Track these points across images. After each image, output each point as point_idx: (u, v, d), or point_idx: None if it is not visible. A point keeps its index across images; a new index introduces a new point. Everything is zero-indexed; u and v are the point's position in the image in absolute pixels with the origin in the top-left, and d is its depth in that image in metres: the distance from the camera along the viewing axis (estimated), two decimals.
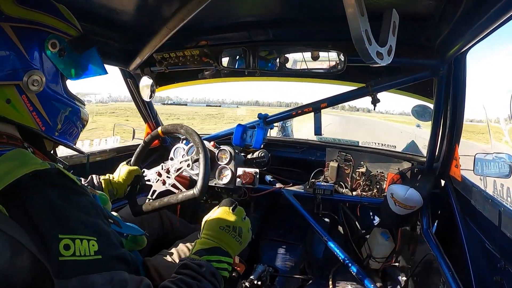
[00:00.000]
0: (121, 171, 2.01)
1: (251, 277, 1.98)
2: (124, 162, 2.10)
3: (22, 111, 1.04)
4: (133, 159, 2.15)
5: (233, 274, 1.72)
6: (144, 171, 2.16)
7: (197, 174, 1.88)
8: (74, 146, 1.28)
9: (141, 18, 2.00)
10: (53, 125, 1.12)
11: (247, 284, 1.97)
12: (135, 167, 2.07)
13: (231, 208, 1.36)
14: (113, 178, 1.98)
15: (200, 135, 2.14)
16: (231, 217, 1.33)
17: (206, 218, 1.36)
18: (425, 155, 2.61)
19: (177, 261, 1.68)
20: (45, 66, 1.08)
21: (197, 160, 2.05)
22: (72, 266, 0.82)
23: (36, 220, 0.83)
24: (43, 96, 1.08)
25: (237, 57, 2.47)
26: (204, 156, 1.92)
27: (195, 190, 1.87)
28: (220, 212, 1.35)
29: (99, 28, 2.05)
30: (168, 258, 1.74)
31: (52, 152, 1.23)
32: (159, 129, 2.12)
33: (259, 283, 1.98)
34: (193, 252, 1.23)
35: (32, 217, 0.83)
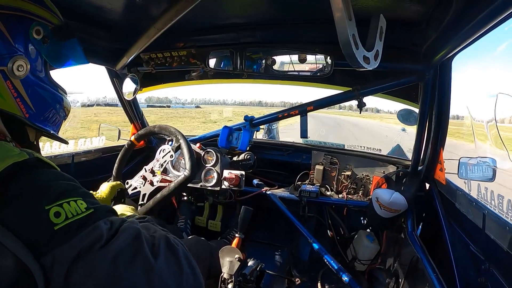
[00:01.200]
0: (103, 188, 1.98)
1: (244, 271, 1.97)
2: (105, 182, 2.05)
3: (6, 97, 1.03)
4: (113, 175, 2.14)
5: (236, 257, 1.76)
6: (127, 182, 2.14)
7: (182, 168, 1.87)
8: (57, 135, 1.27)
9: (129, 17, 1.98)
10: (36, 112, 1.12)
11: (239, 278, 1.96)
12: (117, 182, 2.02)
13: None
14: (96, 193, 1.95)
15: (186, 137, 2.13)
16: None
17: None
18: (410, 159, 2.63)
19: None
20: (29, 53, 1.08)
21: (178, 148, 2.04)
22: (72, 227, 0.82)
23: (19, 205, 0.81)
24: (27, 83, 1.08)
25: (224, 58, 2.46)
26: (184, 140, 1.92)
27: (185, 172, 1.86)
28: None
29: (86, 26, 2.02)
30: None
31: (35, 143, 1.21)
32: (132, 137, 2.11)
33: (252, 278, 1.98)
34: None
35: (14, 204, 0.81)
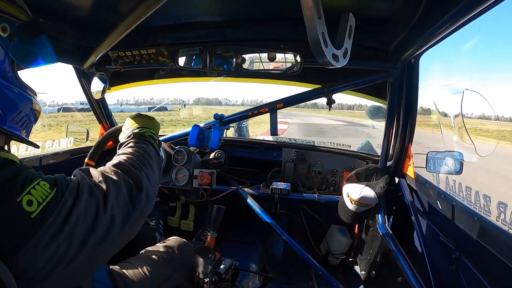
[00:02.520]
0: None
1: (219, 270, 1.96)
2: None
3: None
4: (88, 156, 2.10)
5: (210, 256, 1.75)
6: None
7: None
8: (27, 139, 1.20)
9: (97, 14, 1.92)
10: (3, 115, 1.04)
11: (215, 277, 1.96)
12: None
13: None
14: None
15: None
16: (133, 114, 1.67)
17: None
18: (380, 154, 2.68)
19: (144, 268, 1.70)
20: None
21: None
22: (46, 211, 0.86)
23: None
24: None
25: (194, 56, 2.43)
26: None
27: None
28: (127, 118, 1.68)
29: (52, 23, 1.94)
30: (135, 265, 1.71)
31: (6, 148, 1.15)
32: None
33: (227, 277, 1.97)
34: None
35: None
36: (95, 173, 1.11)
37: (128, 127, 1.61)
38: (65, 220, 0.89)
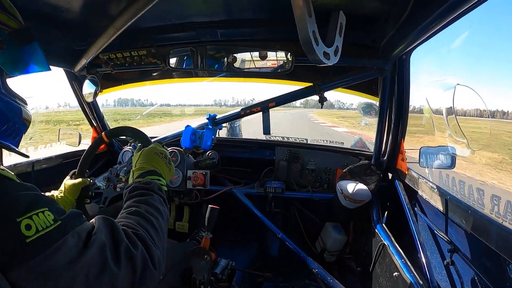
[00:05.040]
0: (66, 187, 1.88)
1: (215, 270, 1.96)
2: (68, 177, 1.96)
3: None
4: (77, 170, 2.03)
5: (206, 257, 1.75)
6: (91, 180, 2.06)
7: None
8: (17, 149, 1.17)
9: (87, 16, 1.89)
10: None
11: (211, 278, 1.95)
12: (80, 180, 1.92)
13: (161, 144, 1.62)
14: (59, 195, 1.85)
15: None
16: (162, 149, 1.57)
17: (137, 154, 1.55)
18: (372, 151, 2.70)
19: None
20: None
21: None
22: (43, 240, 0.82)
23: None
24: None
25: (185, 57, 2.42)
26: None
27: None
28: (153, 145, 1.59)
29: (42, 27, 1.92)
30: None
31: None
32: (103, 133, 2.04)
33: (223, 277, 1.98)
34: (135, 178, 1.38)
35: None
36: (116, 232, 1.01)
37: (140, 164, 1.47)
38: (66, 264, 0.84)
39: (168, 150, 1.61)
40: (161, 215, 1.22)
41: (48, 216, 0.86)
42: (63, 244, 0.85)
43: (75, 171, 2.01)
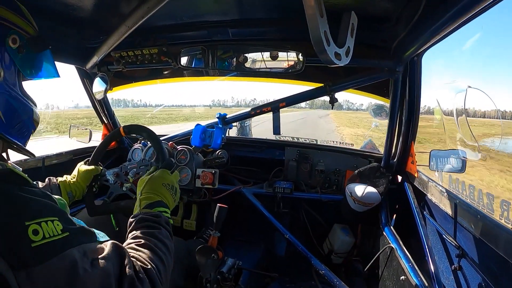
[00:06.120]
0: (79, 172, 1.96)
1: (222, 269, 1.97)
2: (82, 162, 2.05)
3: None
4: (92, 157, 2.09)
5: (213, 256, 1.76)
6: (103, 170, 2.10)
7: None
8: (25, 147, 1.21)
9: (99, 15, 1.92)
10: (6, 123, 1.07)
11: (218, 276, 1.96)
12: (93, 167, 2.02)
13: (169, 171, 1.60)
14: (71, 180, 1.93)
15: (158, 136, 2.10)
16: (171, 178, 1.57)
17: (144, 178, 1.53)
18: (382, 153, 2.68)
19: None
20: (4, 61, 1.04)
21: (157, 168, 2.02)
22: (48, 248, 0.83)
23: None
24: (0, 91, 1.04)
25: (196, 56, 2.44)
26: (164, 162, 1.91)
27: None
28: (160, 172, 1.57)
29: (55, 25, 1.96)
30: None
31: (5, 155, 1.16)
32: (121, 127, 2.07)
33: (230, 276, 1.98)
34: (142, 208, 1.38)
35: None
36: (124, 263, 1.01)
37: (147, 194, 1.45)
38: (66, 278, 0.84)
39: (179, 175, 1.65)
40: (168, 250, 1.23)
41: (57, 226, 0.88)
42: (67, 256, 0.86)
43: (89, 159, 2.06)
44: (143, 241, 1.16)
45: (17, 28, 1.08)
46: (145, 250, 1.13)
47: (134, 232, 1.23)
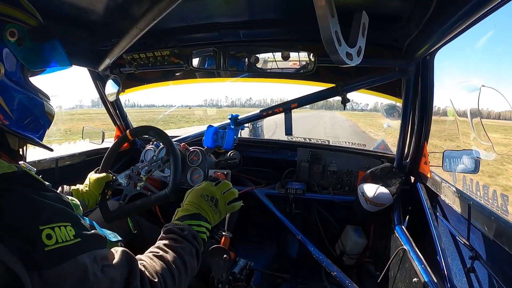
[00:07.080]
0: (91, 181, 1.98)
1: (234, 270, 1.97)
2: (93, 172, 2.07)
3: None
4: (101, 165, 2.11)
5: (225, 257, 1.77)
6: (114, 176, 2.12)
7: (169, 176, 1.87)
8: (41, 142, 1.22)
9: (111, 18, 1.95)
10: (15, 119, 1.07)
11: (229, 277, 1.96)
12: (104, 174, 2.04)
13: (213, 183, 1.52)
14: (84, 188, 1.95)
15: (170, 137, 2.11)
16: (212, 189, 1.48)
17: (190, 190, 1.49)
18: (395, 153, 2.66)
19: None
20: (3, 56, 1.03)
21: (167, 161, 2.03)
22: (60, 252, 0.84)
23: (11, 219, 0.82)
24: (3, 87, 1.03)
25: (208, 57, 2.44)
26: (174, 156, 1.91)
27: (167, 190, 1.86)
28: (204, 184, 1.51)
29: (67, 27, 1.98)
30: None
31: (20, 151, 1.18)
32: (127, 131, 2.09)
33: (242, 277, 1.98)
34: (176, 218, 1.35)
35: (7, 217, 0.82)
36: (132, 273, 1.00)
37: (186, 205, 1.42)
38: (77, 282, 0.85)
39: (227, 189, 1.55)
40: (185, 267, 1.17)
41: (70, 231, 0.88)
42: (78, 261, 0.86)
43: (99, 168, 2.08)
44: (161, 252, 1.15)
45: (14, 21, 1.06)
46: (159, 263, 1.11)
47: (159, 241, 1.22)
